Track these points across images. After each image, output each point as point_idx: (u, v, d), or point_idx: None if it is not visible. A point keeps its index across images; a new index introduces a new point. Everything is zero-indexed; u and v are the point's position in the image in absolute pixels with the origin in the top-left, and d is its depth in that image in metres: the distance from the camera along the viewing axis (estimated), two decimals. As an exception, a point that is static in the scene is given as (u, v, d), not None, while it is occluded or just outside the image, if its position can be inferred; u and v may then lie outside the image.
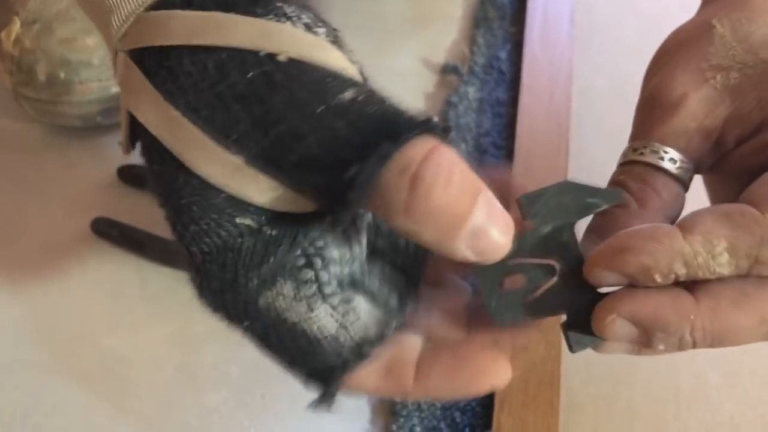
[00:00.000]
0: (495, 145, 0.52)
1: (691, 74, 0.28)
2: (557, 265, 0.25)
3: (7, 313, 0.44)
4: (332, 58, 0.25)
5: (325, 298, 0.25)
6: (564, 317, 0.25)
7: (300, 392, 0.42)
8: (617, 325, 0.24)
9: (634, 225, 0.25)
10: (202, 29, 0.24)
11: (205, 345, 0.43)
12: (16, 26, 0.48)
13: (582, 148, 0.52)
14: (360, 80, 0.25)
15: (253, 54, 0.24)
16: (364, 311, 0.26)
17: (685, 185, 0.27)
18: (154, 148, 0.25)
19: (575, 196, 0.25)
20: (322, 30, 0.25)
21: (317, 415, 0.41)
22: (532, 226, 0.25)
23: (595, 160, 0.52)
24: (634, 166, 0.27)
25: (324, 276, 0.25)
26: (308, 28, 0.25)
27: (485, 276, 0.25)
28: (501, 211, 0.23)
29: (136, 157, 0.50)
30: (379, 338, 0.26)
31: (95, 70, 0.48)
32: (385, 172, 0.22)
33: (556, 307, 0.25)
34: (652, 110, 0.28)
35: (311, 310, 0.25)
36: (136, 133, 0.26)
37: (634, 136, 0.29)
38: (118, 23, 0.26)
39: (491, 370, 0.25)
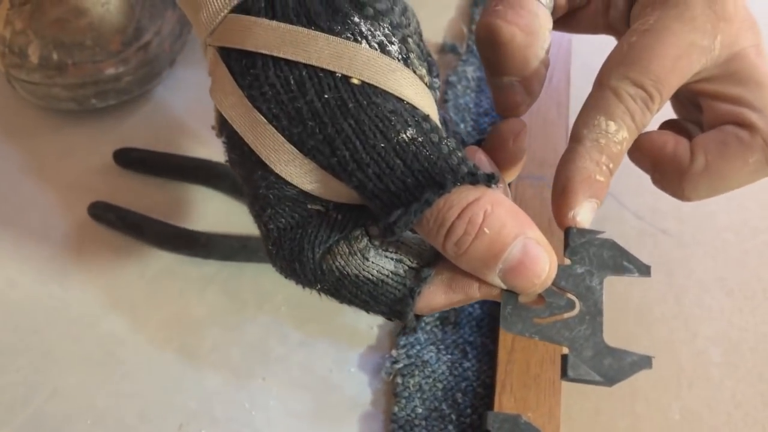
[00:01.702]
0: (494, 125, 0.52)
1: None
2: (578, 303, 0.27)
3: (6, 298, 0.44)
4: (401, 82, 0.27)
5: (375, 244, 0.28)
6: (565, 349, 0.27)
7: (300, 375, 0.42)
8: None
9: (523, 53, 0.31)
10: (286, 43, 0.27)
11: (205, 328, 0.43)
12: (6, 7, 0.47)
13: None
14: (422, 113, 0.27)
15: (330, 74, 0.26)
16: (410, 239, 0.29)
17: (551, 15, 0.33)
18: (236, 142, 0.28)
19: (616, 256, 0.28)
20: (395, 47, 0.28)
21: (318, 397, 0.41)
22: (568, 261, 0.28)
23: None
24: None
25: (373, 230, 0.28)
26: (382, 47, 0.27)
27: (508, 294, 0.27)
28: (538, 254, 0.26)
29: (132, 141, 0.49)
30: (432, 257, 0.28)
31: (88, 52, 0.47)
32: (424, 219, 0.26)
33: (562, 339, 0.27)
34: None
35: (366, 259, 0.28)
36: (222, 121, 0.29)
37: None
38: (206, 19, 0.29)
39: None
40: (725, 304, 0.45)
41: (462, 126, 0.52)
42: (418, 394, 0.41)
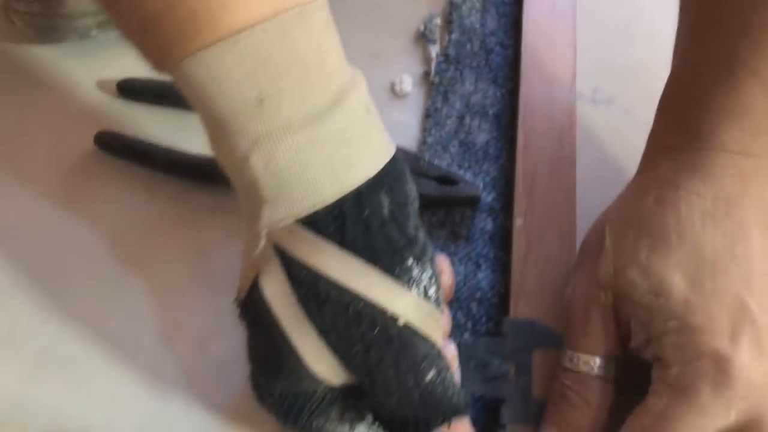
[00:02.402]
0: (501, 44, 0.51)
1: (588, 290, 0.36)
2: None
3: (17, 228, 0.44)
4: (433, 327, 0.32)
5: (363, 418, 0.33)
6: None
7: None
8: None
9: (580, 417, 0.34)
10: (351, 274, 0.31)
11: (218, 251, 0.43)
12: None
13: (589, 44, 0.51)
14: (440, 353, 0.32)
15: (383, 313, 0.31)
16: None
17: (612, 379, 0.35)
18: (267, 318, 0.32)
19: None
20: (432, 291, 0.32)
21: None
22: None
23: (603, 53, 0.51)
24: (574, 374, 0.35)
25: (361, 404, 0.33)
26: (425, 292, 0.32)
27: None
28: None
29: (135, 72, 0.49)
30: None
31: (88, -22, 0.46)
32: None
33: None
34: (573, 324, 0.36)
35: (352, 429, 0.33)
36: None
37: (569, 345, 0.36)
38: (270, 218, 0.31)
39: None
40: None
41: (468, 47, 0.51)
42: (434, 306, 0.41)
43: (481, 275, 0.42)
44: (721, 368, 0.30)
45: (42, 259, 0.43)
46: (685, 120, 0.36)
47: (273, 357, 0.32)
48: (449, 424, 0.32)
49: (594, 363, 0.35)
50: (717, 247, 0.32)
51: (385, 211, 0.32)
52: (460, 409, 0.32)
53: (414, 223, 0.33)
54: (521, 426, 0.36)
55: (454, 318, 0.40)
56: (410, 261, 0.32)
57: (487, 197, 0.45)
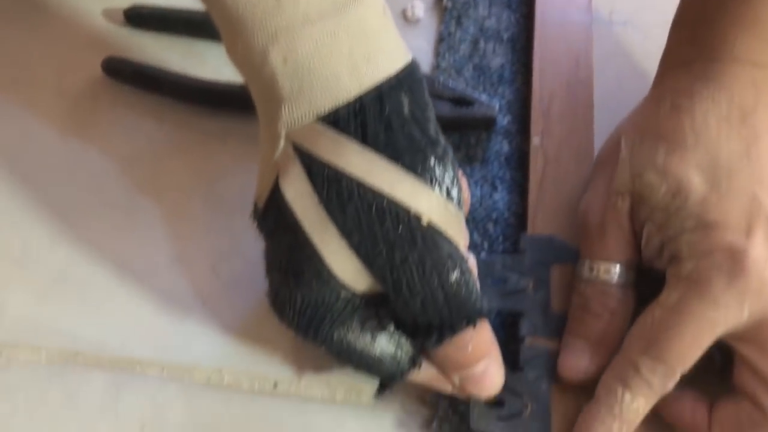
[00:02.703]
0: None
1: (603, 198, 0.35)
2: (529, 404, 0.34)
3: (25, 152, 0.43)
4: (456, 228, 0.32)
5: (384, 328, 0.32)
6: None
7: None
8: None
9: (603, 326, 0.34)
10: (374, 172, 0.30)
11: (230, 174, 0.42)
12: None
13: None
14: (464, 255, 0.32)
15: (406, 211, 0.30)
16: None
17: (632, 285, 0.35)
18: (289, 227, 0.31)
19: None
20: (455, 192, 0.32)
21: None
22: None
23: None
24: (594, 283, 0.35)
25: (382, 312, 0.32)
26: (448, 192, 0.31)
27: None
28: (495, 375, 0.33)
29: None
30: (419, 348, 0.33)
31: None
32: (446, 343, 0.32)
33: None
34: (589, 233, 0.36)
35: (374, 339, 0.32)
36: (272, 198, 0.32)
37: (586, 255, 0.36)
38: (290, 116, 0.30)
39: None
40: None
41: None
42: (449, 226, 0.40)
43: (497, 196, 0.41)
44: (735, 261, 0.30)
45: (52, 184, 0.42)
46: (699, 33, 0.36)
47: (294, 264, 0.31)
48: (474, 326, 0.31)
49: (614, 270, 0.34)
50: (732, 150, 0.33)
51: (406, 110, 0.31)
52: (484, 312, 0.31)
53: (434, 126, 0.32)
54: (540, 339, 0.35)
55: (470, 238, 0.40)
56: (432, 161, 0.31)
57: (503, 120, 0.44)
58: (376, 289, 0.32)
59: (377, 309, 0.32)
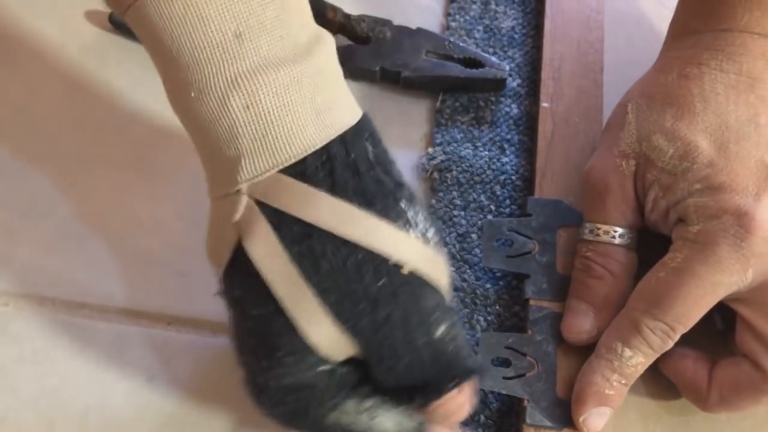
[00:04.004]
0: None
1: (608, 161, 0.35)
2: (537, 364, 0.34)
3: (30, 107, 0.43)
4: (439, 272, 0.29)
5: (382, 404, 0.30)
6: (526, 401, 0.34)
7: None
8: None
9: (606, 288, 0.34)
10: (346, 222, 0.27)
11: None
12: None
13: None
14: (450, 302, 0.30)
15: (385, 261, 0.27)
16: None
17: (634, 248, 0.35)
18: (260, 295, 0.28)
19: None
20: (432, 233, 0.29)
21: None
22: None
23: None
24: (596, 245, 0.35)
25: (367, 388, 0.29)
26: (423, 235, 0.29)
27: (486, 349, 0.35)
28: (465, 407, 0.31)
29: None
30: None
31: None
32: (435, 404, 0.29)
33: (524, 393, 0.34)
34: (592, 195, 0.35)
35: (372, 418, 0.29)
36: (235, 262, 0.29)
37: (588, 217, 0.36)
38: (251, 170, 0.28)
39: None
40: None
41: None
42: (456, 187, 0.40)
43: (505, 159, 0.41)
44: (742, 223, 0.30)
45: (58, 139, 0.42)
46: (708, 3, 0.35)
47: (266, 339, 0.28)
48: (461, 387, 0.29)
49: (615, 232, 0.34)
50: (740, 116, 0.33)
51: (371, 155, 0.29)
52: (475, 370, 0.29)
53: (396, 169, 0.30)
54: (545, 301, 0.36)
55: (477, 200, 0.40)
56: (404, 203, 0.28)
57: (512, 83, 0.44)
58: (354, 354, 0.29)
59: (363, 383, 0.30)
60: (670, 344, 0.32)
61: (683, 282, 0.31)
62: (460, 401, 0.30)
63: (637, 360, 0.32)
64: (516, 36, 0.45)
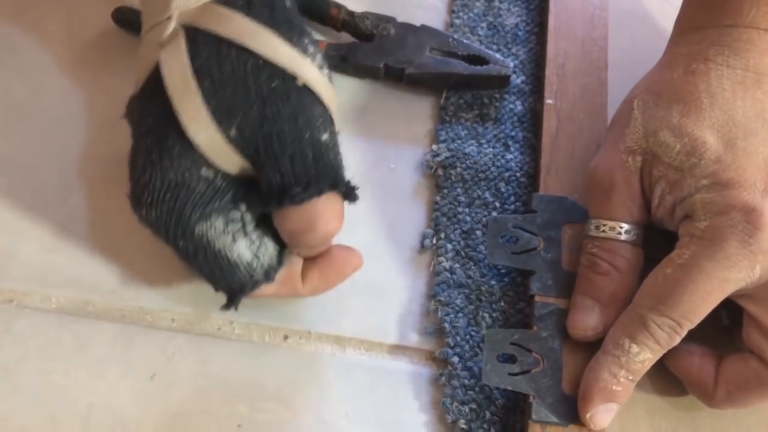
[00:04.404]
0: None
1: (614, 157, 0.35)
2: (542, 361, 0.34)
3: (36, 104, 0.43)
4: (328, 95, 0.34)
5: (246, 234, 0.33)
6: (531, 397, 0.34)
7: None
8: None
9: (611, 285, 0.34)
10: (254, 36, 0.32)
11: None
12: None
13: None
14: (334, 124, 0.34)
15: (282, 70, 0.32)
16: (271, 246, 0.34)
17: (640, 244, 0.35)
18: (158, 96, 0.32)
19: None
20: (326, 71, 0.34)
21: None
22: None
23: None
24: (602, 241, 0.35)
25: (247, 217, 0.33)
26: (320, 67, 0.33)
27: (491, 345, 0.34)
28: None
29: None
30: (280, 264, 0.34)
31: None
32: (303, 211, 0.32)
33: (529, 389, 0.34)
34: (597, 191, 0.35)
35: (234, 241, 0.33)
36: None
37: (593, 213, 0.35)
38: (181, 0, 0.32)
39: (349, 262, 0.35)
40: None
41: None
42: (460, 184, 0.40)
43: (509, 156, 0.41)
44: (750, 219, 0.30)
45: (62, 134, 0.42)
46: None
47: (157, 135, 0.32)
48: (336, 192, 0.32)
49: (621, 228, 0.34)
50: (748, 112, 0.33)
51: (288, 3, 0.34)
52: (343, 181, 0.32)
53: (306, 25, 0.35)
54: (551, 297, 0.36)
55: (482, 196, 0.40)
56: (307, 40, 0.33)
57: (516, 80, 0.44)
58: (241, 169, 0.32)
59: (241, 209, 0.33)
60: (677, 340, 0.32)
61: (691, 278, 0.31)
62: (347, 256, 0.34)
63: (644, 356, 0.32)
64: (520, 33, 0.45)
